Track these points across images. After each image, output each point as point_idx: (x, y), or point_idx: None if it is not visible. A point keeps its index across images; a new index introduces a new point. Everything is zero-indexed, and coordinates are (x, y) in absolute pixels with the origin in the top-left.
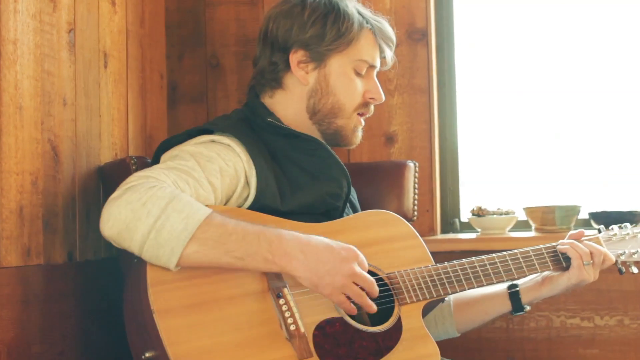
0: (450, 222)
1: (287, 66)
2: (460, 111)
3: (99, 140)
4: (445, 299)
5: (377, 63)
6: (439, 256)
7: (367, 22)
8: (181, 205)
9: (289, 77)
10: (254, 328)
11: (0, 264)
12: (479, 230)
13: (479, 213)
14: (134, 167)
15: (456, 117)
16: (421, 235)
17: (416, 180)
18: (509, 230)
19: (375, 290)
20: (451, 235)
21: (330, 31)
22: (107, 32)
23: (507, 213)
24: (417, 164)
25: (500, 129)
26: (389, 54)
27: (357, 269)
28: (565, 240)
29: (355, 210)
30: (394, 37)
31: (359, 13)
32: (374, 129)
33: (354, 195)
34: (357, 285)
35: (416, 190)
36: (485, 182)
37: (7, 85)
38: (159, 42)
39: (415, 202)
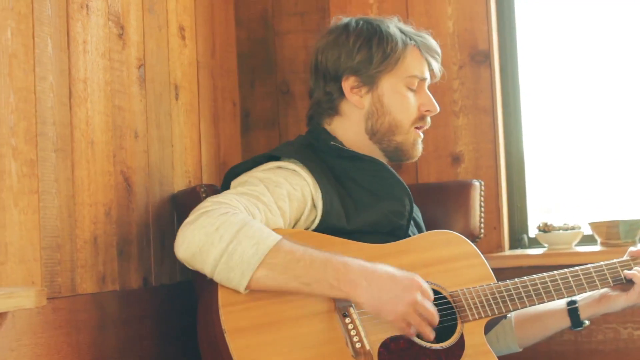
0: (518, 239)
1: (342, 94)
2: (527, 127)
3: (171, 169)
4: (507, 315)
5: (427, 76)
6: (508, 272)
7: (410, 39)
8: (252, 232)
9: (344, 103)
10: (321, 346)
11: (76, 291)
12: (546, 245)
13: (544, 229)
14: (203, 195)
15: (521, 136)
16: (489, 252)
17: (482, 198)
18: (575, 245)
19: (436, 320)
20: (519, 251)
21: (376, 54)
22: (177, 65)
23: (572, 228)
24: (482, 183)
25: (565, 144)
26: (436, 65)
27: (419, 297)
28: (632, 268)
29: (419, 229)
30: (438, 49)
31: (401, 32)
32: (441, 149)
33: (418, 215)
34: (419, 313)
35: (482, 209)
36: (552, 196)
37: (78, 122)
38: (231, 71)
39: (482, 220)
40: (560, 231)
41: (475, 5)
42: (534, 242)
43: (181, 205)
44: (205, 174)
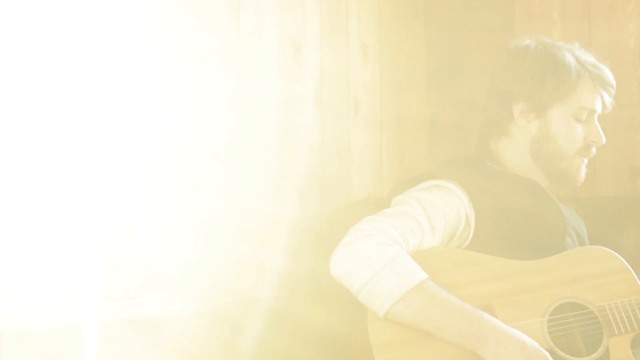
0: None
1: (511, 116)
2: None
3: (348, 181)
4: None
5: (598, 108)
6: None
7: (585, 70)
8: (399, 268)
9: (512, 125)
10: None
11: None
12: None
13: None
14: (371, 207)
15: None
16: None
17: None
18: None
19: None
20: None
21: (549, 83)
22: (358, 82)
23: None
24: None
25: None
26: (608, 98)
27: None
28: None
29: (582, 245)
30: (613, 82)
31: (578, 61)
32: (619, 163)
33: (581, 230)
34: None
35: None
36: None
37: (247, 131)
38: (419, 85)
39: None
40: None
41: None
42: None
43: (353, 215)
44: (387, 183)
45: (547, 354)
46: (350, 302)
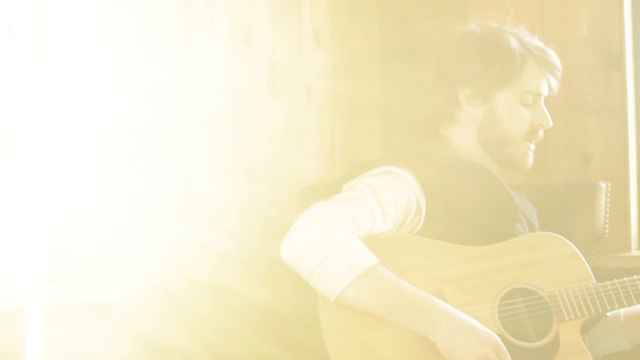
0: None
1: (457, 102)
2: None
3: (300, 167)
4: (608, 314)
5: (544, 91)
6: (633, 272)
7: (530, 54)
8: (350, 252)
9: (459, 112)
10: (415, 346)
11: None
12: None
13: None
14: (323, 193)
15: None
16: (614, 252)
17: (608, 200)
18: None
19: None
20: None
21: (493, 68)
22: (310, 68)
23: None
24: (609, 185)
25: None
26: (554, 81)
27: (491, 354)
28: None
29: (533, 232)
30: (559, 65)
31: (522, 45)
32: (571, 150)
33: (532, 217)
34: None
35: (608, 210)
36: None
37: (197, 116)
38: (372, 71)
39: (607, 220)
40: None
41: (610, 11)
42: None
43: (306, 199)
44: (339, 170)
45: (498, 338)
46: (300, 286)
